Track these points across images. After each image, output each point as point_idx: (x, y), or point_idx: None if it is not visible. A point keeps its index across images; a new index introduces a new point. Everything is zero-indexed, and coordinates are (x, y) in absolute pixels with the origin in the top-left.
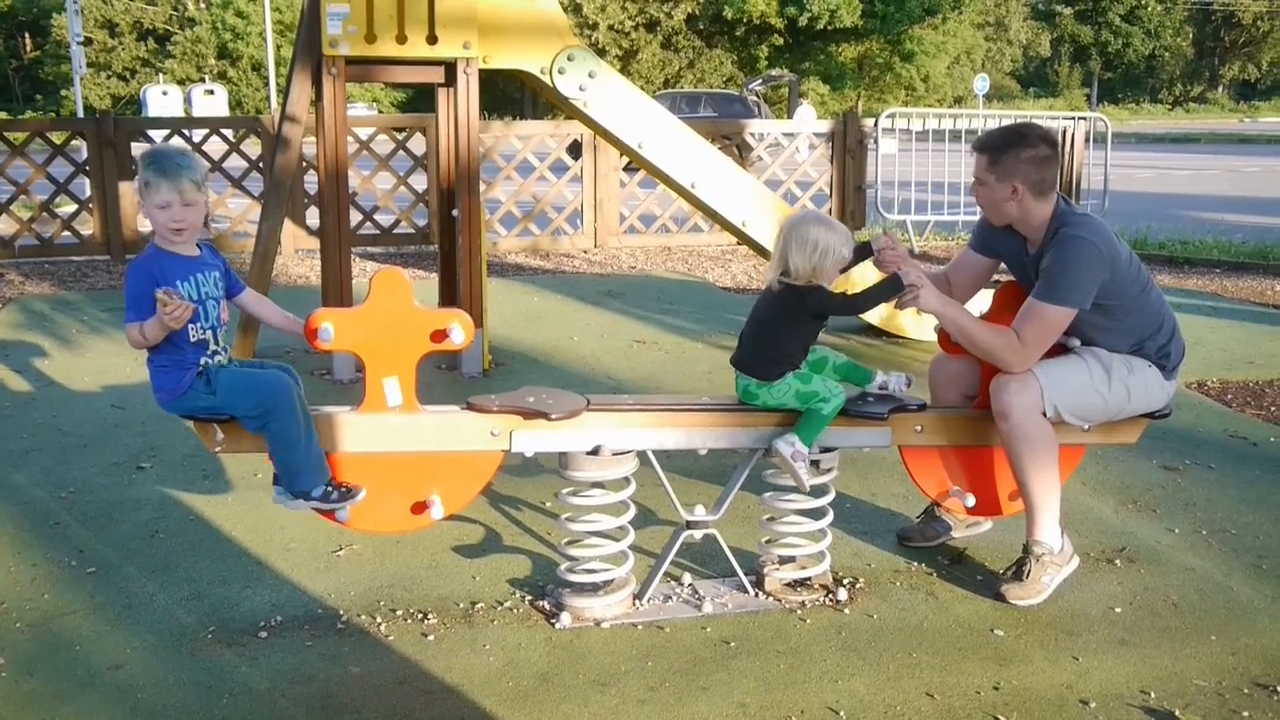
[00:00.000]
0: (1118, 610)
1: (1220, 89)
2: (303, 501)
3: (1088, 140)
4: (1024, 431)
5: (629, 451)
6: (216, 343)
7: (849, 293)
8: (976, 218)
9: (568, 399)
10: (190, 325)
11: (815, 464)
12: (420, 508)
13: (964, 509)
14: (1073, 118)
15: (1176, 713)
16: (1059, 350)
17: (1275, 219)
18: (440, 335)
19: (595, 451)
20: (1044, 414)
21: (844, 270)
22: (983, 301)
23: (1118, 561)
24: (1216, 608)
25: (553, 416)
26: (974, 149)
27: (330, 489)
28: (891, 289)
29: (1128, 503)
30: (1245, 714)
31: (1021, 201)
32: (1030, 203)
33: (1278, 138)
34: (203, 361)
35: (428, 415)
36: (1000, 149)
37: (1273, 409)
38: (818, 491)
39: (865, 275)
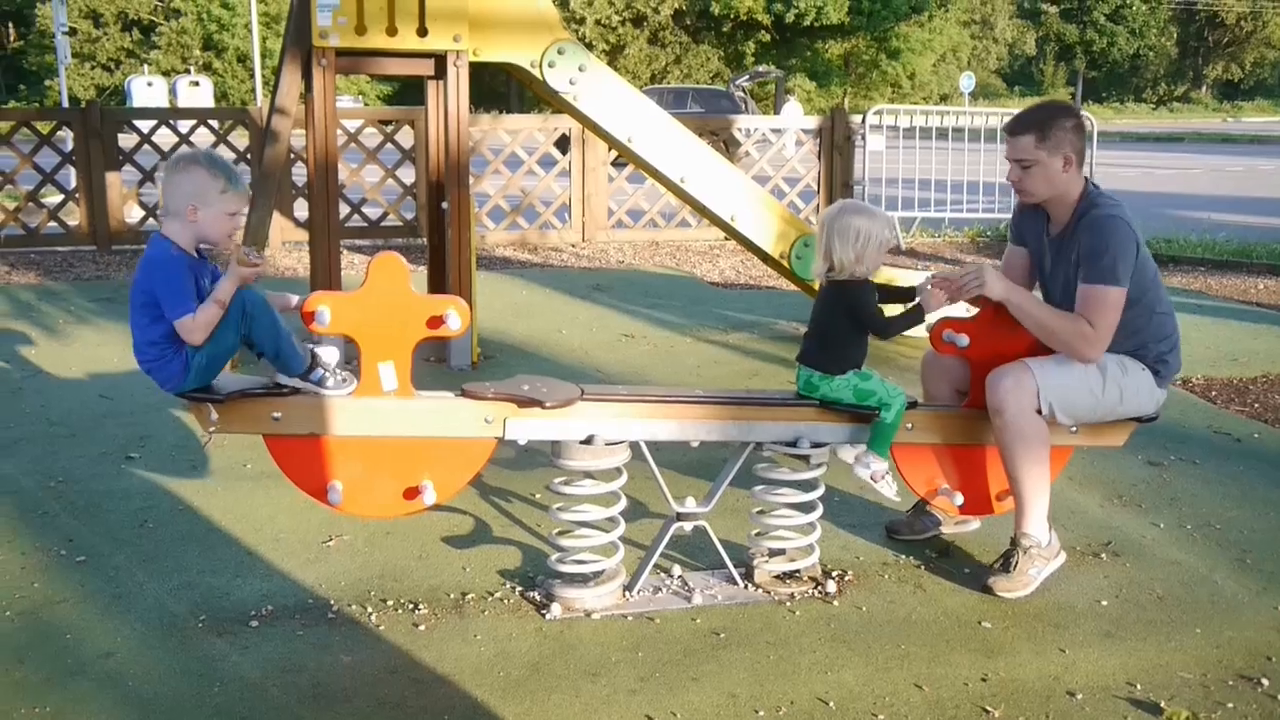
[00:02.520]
0: (1104, 603)
1: (1204, 89)
2: (306, 384)
3: None
4: (1018, 426)
5: (622, 442)
6: None
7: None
8: (963, 215)
9: (562, 388)
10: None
11: (806, 459)
12: (413, 493)
13: (953, 507)
14: None
15: (1162, 704)
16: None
17: (1258, 218)
18: (436, 321)
19: (589, 441)
20: (1038, 411)
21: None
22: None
23: (1103, 555)
24: (1201, 601)
25: (547, 405)
26: (1012, 132)
27: (327, 375)
28: (918, 318)
29: (1113, 497)
30: (1230, 705)
31: (1071, 172)
32: (1075, 173)
33: (1261, 137)
34: (184, 351)
35: (422, 401)
36: (1046, 123)
37: (1256, 405)
38: (808, 486)
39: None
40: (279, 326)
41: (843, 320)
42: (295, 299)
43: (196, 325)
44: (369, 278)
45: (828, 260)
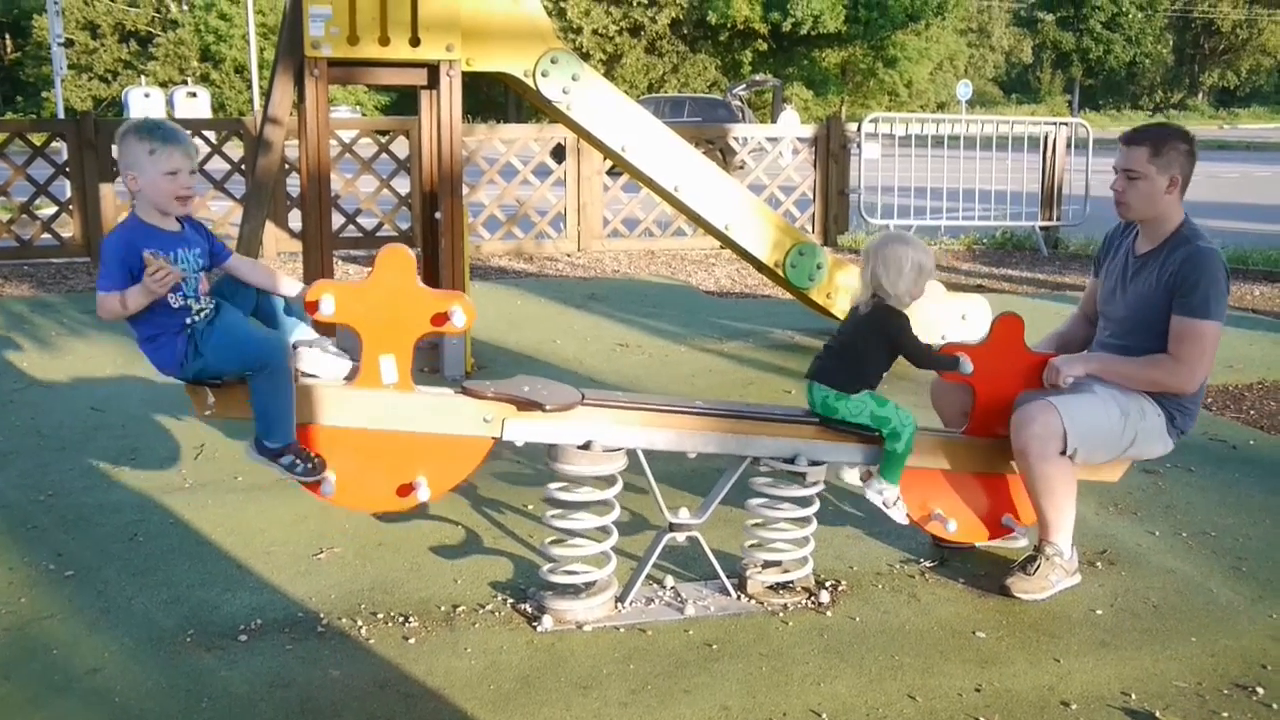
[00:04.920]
0: (1098, 612)
1: (1200, 96)
2: (273, 464)
3: (1069, 146)
4: (1042, 471)
5: (619, 449)
6: (198, 301)
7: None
8: (959, 222)
9: (563, 391)
10: (170, 295)
11: (802, 476)
12: (406, 489)
13: (946, 533)
14: (1054, 123)
15: (1157, 714)
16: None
17: (1253, 224)
18: (441, 318)
19: (586, 446)
20: (1063, 451)
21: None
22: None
23: (1099, 564)
24: (1196, 609)
25: (547, 407)
26: (1128, 142)
27: (298, 460)
28: (951, 365)
29: (1108, 505)
30: (1225, 714)
31: (1174, 196)
32: (1177, 200)
33: (1256, 144)
34: (189, 321)
35: (422, 396)
36: (1162, 140)
37: (1252, 412)
38: (803, 503)
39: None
40: (280, 394)
41: (876, 345)
42: (299, 287)
43: (101, 305)
44: (376, 268)
45: (873, 288)
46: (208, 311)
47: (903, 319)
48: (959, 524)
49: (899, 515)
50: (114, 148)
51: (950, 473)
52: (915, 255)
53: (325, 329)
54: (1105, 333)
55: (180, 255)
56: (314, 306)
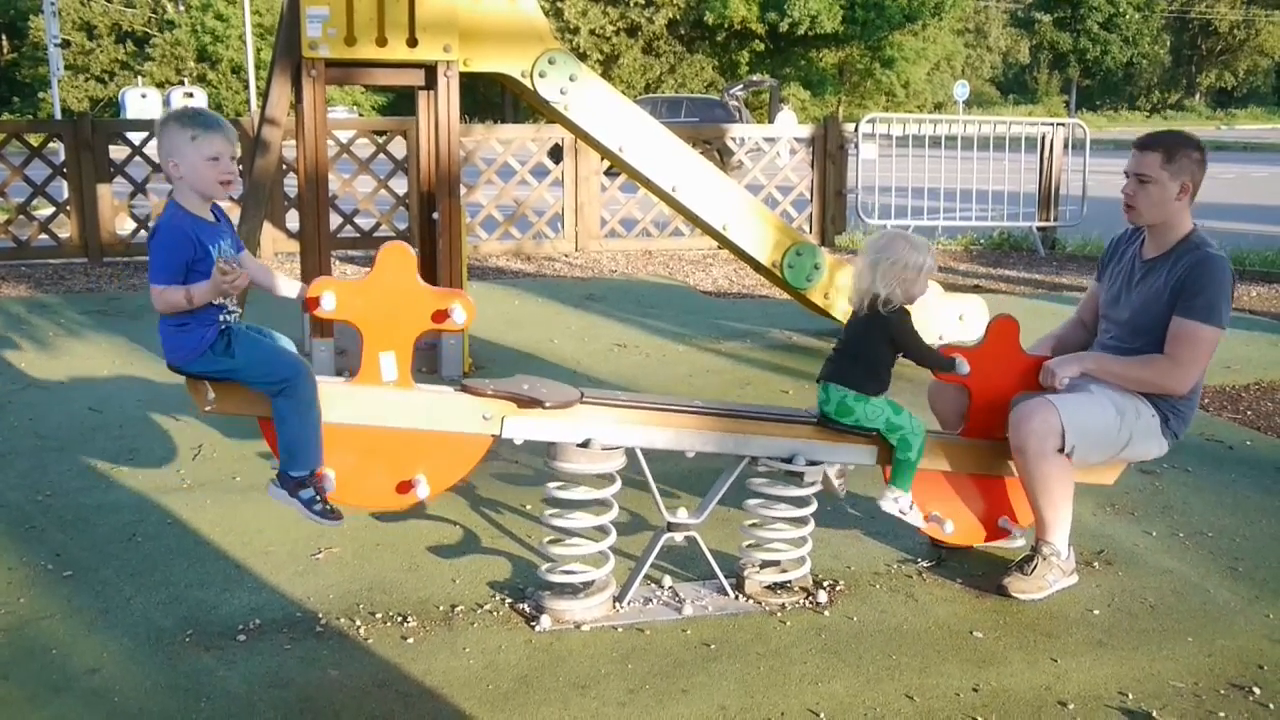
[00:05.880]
0: (1095, 612)
1: (1197, 96)
2: (294, 501)
3: (1066, 147)
4: (1040, 469)
5: (618, 447)
6: (232, 299)
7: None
8: (956, 223)
9: (562, 389)
10: None
11: (799, 476)
12: (406, 486)
13: (943, 534)
14: (1051, 124)
15: (1154, 714)
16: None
17: (1250, 225)
18: (441, 315)
19: (585, 444)
20: (1061, 449)
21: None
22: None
23: (1095, 564)
24: (1193, 609)
25: (547, 404)
26: (1141, 147)
27: (318, 500)
28: (947, 366)
29: (1105, 506)
30: (1221, 715)
31: (1184, 203)
32: (1186, 207)
33: (1253, 144)
34: (222, 319)
35: (422, 393)
36: (1175, 146)
37: (1249, 413)
38: (801, 503)
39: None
40: (307, 419)
41: (883, 347)
42: (298, 286)
43: (161, 297)
44: (377, 265)
45: (871, 291)
46: (238, 314)
47: (904, 316)
48: (956, 526)
49: (917, 520)
50: (153, 140)
51: (948, 475)
52: (916, 256)
53: (325, 327)
54: (1108, 335)
55: (222, 248)
56: (315, 303)
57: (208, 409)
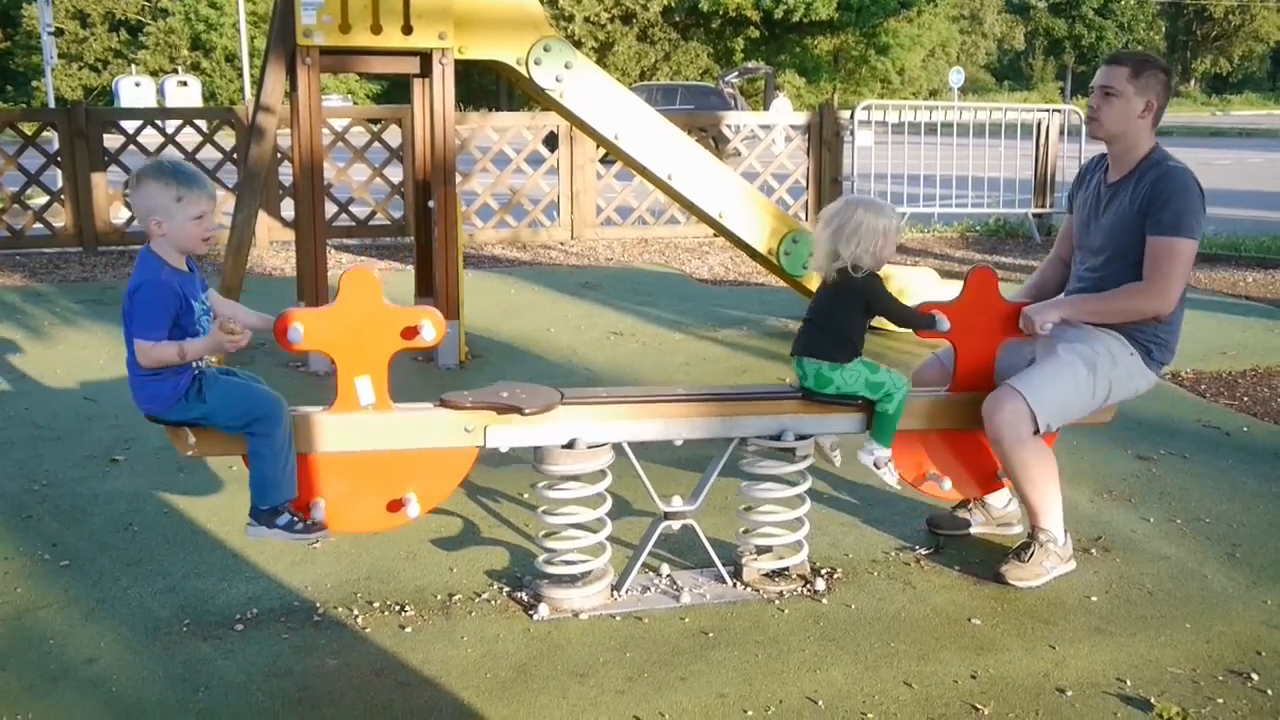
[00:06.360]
0: (1094, 599)
1: (1192, 82)
2: (275, 531)
3: (1062, 133)
4: (1017, 455)
5: (604, 444)
6: None
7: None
8: (953, 210)
9: (542, 393)
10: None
11: (791, 452)
12: (396, 505)
13: (942, 493)
14: (1047, 110)
15: (1152, 700)
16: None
17: (1246, 211)
18: (411, 332)
19: (570, 445)
20: (1035, 431)
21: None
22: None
23: (1093, 551)
24: (1191, 596)
25: (526, 411)
26: (1110, 61)
27: (296, 520)
28: (928, 324)
29: (1103, 492)
30: (1220, 701)
31: (1146, 122)
32: (1148, 127)
33: (1249, 130)
34: (196, 366)
35: (401, 413)
36: (1143, 64)
37: (1245, 399)
38: (794, 480)
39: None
40: (279, 457)
41: (856, 313)
42: (263, 319)
43: (151, 353)
44: (340, 293)
45: (839, 258)
46: (213, 359)
47: (874, 280)
48: (953, 481)
49: (890, 478)
50: (125, 192)
51: (941, 433)
52: (879, 219)
53: (299, 357)
54: (1083, 266)
55: (201, 299)
56: (283, 334)
57: (189, 454)
